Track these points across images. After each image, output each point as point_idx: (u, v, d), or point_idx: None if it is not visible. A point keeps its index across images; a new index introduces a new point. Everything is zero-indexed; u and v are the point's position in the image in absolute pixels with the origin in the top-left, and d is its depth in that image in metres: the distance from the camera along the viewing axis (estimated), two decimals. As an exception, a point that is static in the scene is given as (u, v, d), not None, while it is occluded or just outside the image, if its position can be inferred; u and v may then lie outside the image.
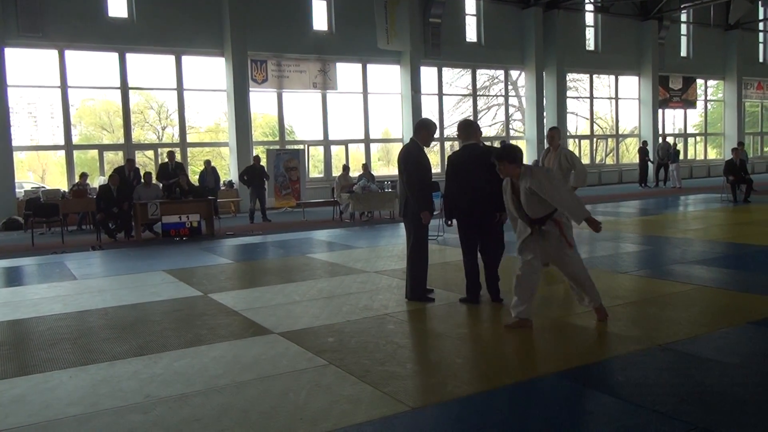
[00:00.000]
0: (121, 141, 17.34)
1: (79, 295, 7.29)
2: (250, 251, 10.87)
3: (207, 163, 16.33)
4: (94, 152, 17.47)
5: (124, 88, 17.06)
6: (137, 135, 17.90)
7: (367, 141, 20.68)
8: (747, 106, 29.91)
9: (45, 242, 12.45)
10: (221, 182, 17.40)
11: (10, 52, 15.55)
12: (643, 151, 22.78)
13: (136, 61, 17.22)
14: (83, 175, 15.48)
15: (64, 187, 16.32)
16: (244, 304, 6.56)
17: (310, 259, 9.61)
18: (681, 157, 23.48)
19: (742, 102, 28.86)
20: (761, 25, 29.42)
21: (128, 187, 13.17)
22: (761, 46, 30.17)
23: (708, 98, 29.35)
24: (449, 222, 6.35)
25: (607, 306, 5.57)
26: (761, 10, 28.20)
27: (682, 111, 28.09)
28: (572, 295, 5.63)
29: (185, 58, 17.66)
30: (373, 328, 5.46)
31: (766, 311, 5.60)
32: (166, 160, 15.10)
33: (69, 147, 16.70)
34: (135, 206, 12.53)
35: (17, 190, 16.10)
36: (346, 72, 20.01)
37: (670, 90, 26.93)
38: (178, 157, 16.27)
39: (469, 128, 6.34)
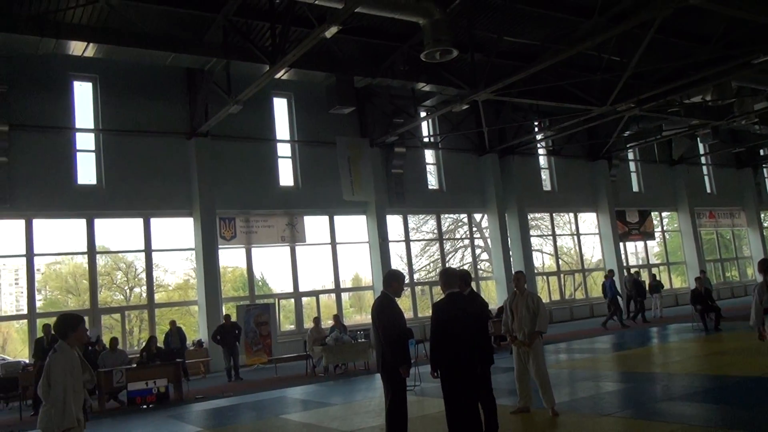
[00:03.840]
0: (87, 305, 16.96)
1: (35, 480, 6.76)
2: (220, 416, 10.37)
3: (172, 323, 15.99)
4: (59, 319, 16.96)
5: (92, 252, 16.98)
6: (104, 297, 17.58)
7: (337, 290, 20.64)
8: (703, 234, 30.93)
9: (1, 419, 11.74)
10: (189, 342, 16.91)
11: (-24, 224, 15.56)
12: (612, 284, 20.55)
13: (104, 225, 17.32)
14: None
15: (26, 357, 15.64)
16: (215, 478, 6.15)
17: (285, 420, 9.21)
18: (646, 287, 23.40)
19: (698, 231, 29.87)
20: (703, 159, 31.27)
21: (90, 355, 12.71)
22: (706, 178, 31.91)
23: (665, 229, 30.40)
24: (435, 374, 6.11)
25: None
26: (701, 145, 30.01)
27: (642, 243, 28.96)
28: None
29: (153, 220, 17.84)
30: (353, 497, 5.14)
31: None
32: (42, 334, 13.58)
33: (32, 315, 16.20)
34: (98, 375, 12.02)
35: (-25, 363, 15.38)
36: (314, 224, 20.37)
37: (628, 224, 27.86)
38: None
39: (446, 276, 6.34)
